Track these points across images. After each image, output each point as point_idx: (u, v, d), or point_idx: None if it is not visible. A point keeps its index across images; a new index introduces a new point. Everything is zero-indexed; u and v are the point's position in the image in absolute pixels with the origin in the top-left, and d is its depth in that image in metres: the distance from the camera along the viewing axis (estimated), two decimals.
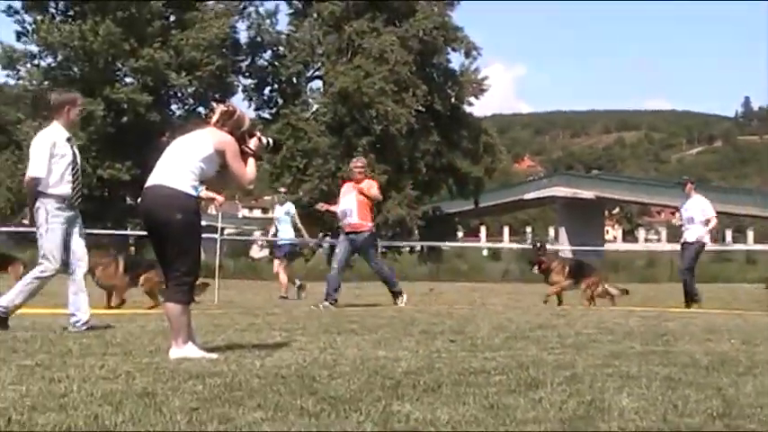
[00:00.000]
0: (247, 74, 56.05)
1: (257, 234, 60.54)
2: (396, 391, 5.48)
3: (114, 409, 4.76)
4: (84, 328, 9.48)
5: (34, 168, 9.47)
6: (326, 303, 14.90)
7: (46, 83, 51.48)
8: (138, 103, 48.95)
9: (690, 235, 17.54)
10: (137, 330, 9.42)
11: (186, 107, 54.62)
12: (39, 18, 50.72)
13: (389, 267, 16.61)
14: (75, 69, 51.37)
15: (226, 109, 7.65)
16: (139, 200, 7.76)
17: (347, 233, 15.53)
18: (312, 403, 5.00)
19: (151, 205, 7.29)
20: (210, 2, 53.34)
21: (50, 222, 9.42)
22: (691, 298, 17.06)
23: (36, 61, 52.15)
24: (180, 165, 7.26)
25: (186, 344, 7.15)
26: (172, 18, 52.62)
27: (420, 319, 11.75)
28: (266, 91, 56.31)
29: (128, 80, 51.55)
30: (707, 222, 17.57)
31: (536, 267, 17.29)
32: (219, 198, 16.06)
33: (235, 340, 8.52)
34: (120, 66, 51.42)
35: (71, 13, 51.68)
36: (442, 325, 10.62)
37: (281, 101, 55.61)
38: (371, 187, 15.70)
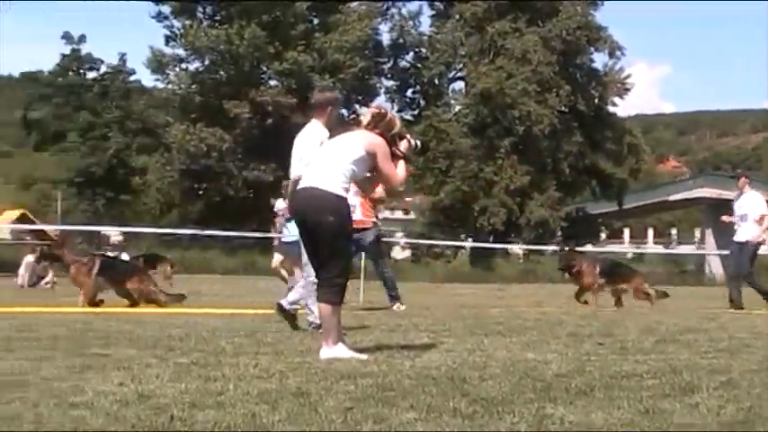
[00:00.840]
0: (390, 75, 56.32)
1: (399, 235, 60.68)
2: (548, 394, 5.43)
3: (271, 407, 4.83)
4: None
5: (299, 168, 8.85)
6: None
7: (193, 86, 52.66)
8: (282, 105, 49.61)
9: (742, 234, 16.60)
10: (287, 330, 9.54)
11: None
12: (187, 23, 51.85)
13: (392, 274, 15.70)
14: (222, 72, 52.37)
15: (378, 111, 7.68)
16: (293, 202, 7.82)
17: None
18: (464, 404, 4.99)
19: (303, 207, 7.38)
20: (353, 4, 53.73)
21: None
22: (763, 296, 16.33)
23: (184, 65, 53.33)
24: (331, 167, 7.31)
25: (336, 344, 7.20)
26: (315, 21, 53.23)
27: (567, 321, 11.65)
28: (408, 92, 56.48)
29: (272, 83, 52.34)
30: (761, 220, 16.51)
31: (567, 272, 16.78)
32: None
33: (383, 341, 8.56)
34: (264, 69, 52.23)
35: (218, 17, 52.73)
36: (589, 327, 10.50)
37: (423, 102, 55.69)
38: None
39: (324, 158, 7.46)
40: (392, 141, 7.54)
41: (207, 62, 52.51)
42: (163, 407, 4.81)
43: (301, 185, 7.45)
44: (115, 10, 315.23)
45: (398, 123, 7.79)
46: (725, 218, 17.42)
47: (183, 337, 8.45)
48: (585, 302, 16.11)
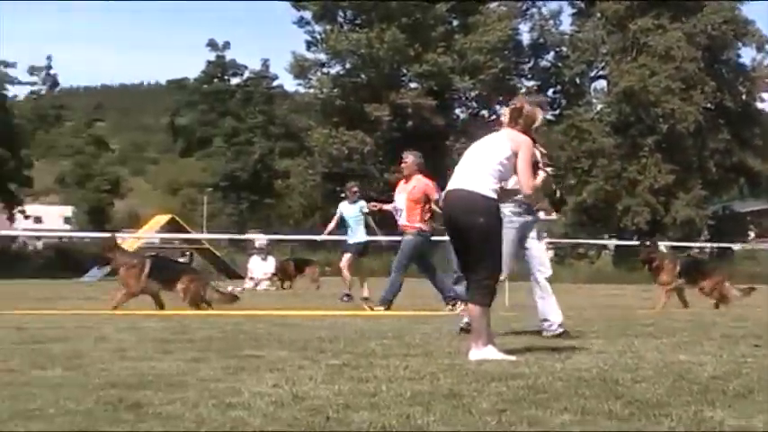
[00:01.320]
0: (530, 76, 56.06)
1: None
2: (704, 396, 5.32)
3: (424, 409, 4.84)
4: (560, 331, 9.48)
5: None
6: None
7: (335, 90, 53.22)
8: (422, 107, 49.79)
9: None
10: (433, 332, 9.56)
11: (469, 110, 55.15)
12: (328, 28, 52.49)
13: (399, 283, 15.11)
14: (363, 76, 52.82)
15: (515, 106, 7.63)
16: (441, 204, 7.80)
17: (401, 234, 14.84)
18: (619, 407, 4.92)
19: (453, 209, 7.36)
20: (493, 4, 53.60)
21: (505, 227, 8.94)
22: None
23: (325, 69, 53.99)
24: (479, 168, 7.28)
25: (486, 346, 7.18)
26: (455, 22, 53.31)
27: (719, 322, 11.39)
28: (549, 92, 56.08)
29: (412, 85, 52.59)
30: None
31: (647, 266, 16.12)
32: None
33: (531, 343, 8.51)
34: (404, 71, 52.51)
35: (358, 21, 53.24)
36: (743, 329, 10.25)
37: (564, 102, 55.25)
38: (421, 188, 14.47)
39: (471, 160, 7.43)
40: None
41: (348, 66, 53.09)
42: (318, 408, 4.87)
43: (450, 187, 7.42)
44: (258, 17, 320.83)
45: (539, 116, 7.71)
46: None
47: (332, 339, 8.54)
48: (684, 303, 15.62)
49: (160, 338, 8.51)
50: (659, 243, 19.85)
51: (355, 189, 20.21)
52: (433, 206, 14.20)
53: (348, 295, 18.34)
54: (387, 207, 15.66)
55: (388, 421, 4.50)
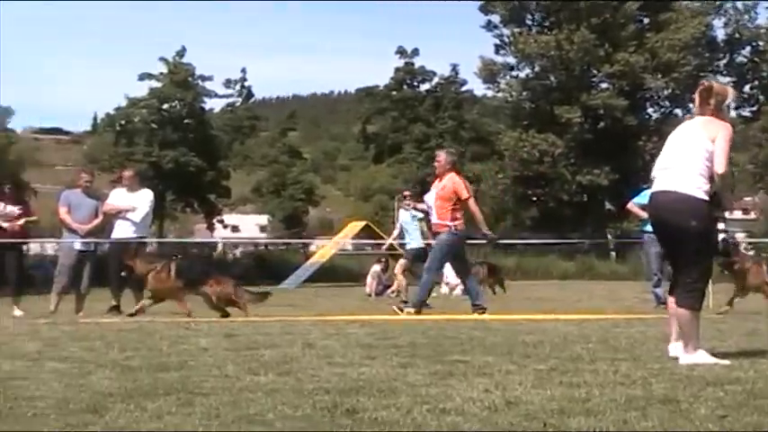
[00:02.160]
0: (725, 72, 54.45)
1: (739, 236, 58.41)
2: None
3: (641, 414, 4.75)
4: None
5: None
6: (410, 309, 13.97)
7: (524, 93, 53.01)
8: (614, 108, 49.11)
9: None
10: (639, 335, 9.39)
11: (662, 110, 54.09)
12: (516, 30, 52.31)
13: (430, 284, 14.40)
14: (552, 78, 52.43)
15: (703, 86, 7.34)
16: (648, 205, 7.60)
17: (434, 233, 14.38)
18: None
19: (663, 212, 7.20)
20: (685, 1, 52.42)
21: None
22: None
23: (514, 73, 53.82)
24: (687, 167, 7.07)
25: (697, 350, 7.01)
26: (646, 20, 52.36)
27: None
28: (746, 88, 54.32)
29: (603, 86, 51.91)
30: None
31: (727, 269, 14.71)
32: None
33: (742, 346, 8.27)
34: (595, 72, 51.86)
35: (547, 23, 52.83)
36: None
37: (762, 98, 53.47)
38: (451, 187, 13.95)
39: (676, 158, 7.20)
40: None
41: (537, 68, 52.77)
42: (532, 413, 4.84)
43: (658, 188, 7.25)
44: (446, 23, 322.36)
45: (730, 91, 7.45)
46: None
47: (536, 344, 8.48)
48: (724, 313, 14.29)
49: (365, 344, 8.61)
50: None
51: (407, 194, 20.19)
52: (470, 205, 14.00)
53: (404, 301, 18.12)
54: (420, 206, 15.46)
55: (605, 427, 4.45)
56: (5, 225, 15.12)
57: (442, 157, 14.46)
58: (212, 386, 5.89)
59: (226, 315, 13.28)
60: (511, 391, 5.58)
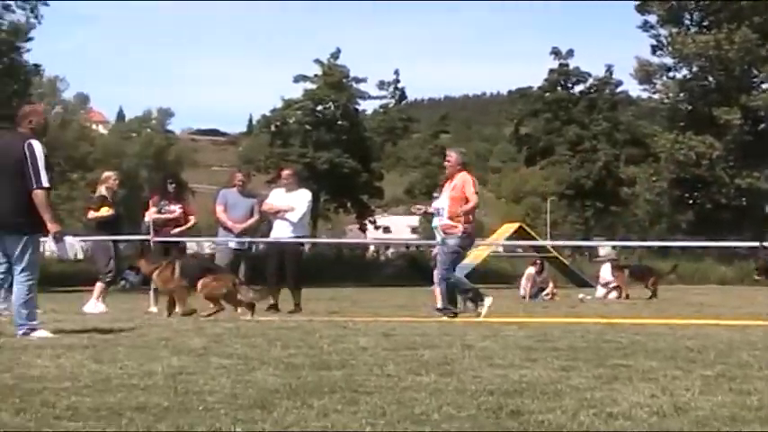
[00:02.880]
0: None
1: None
2: None
3: None
4: None
5: None
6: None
7: (681, 94, 52.03)
8: None
9: None
10: None
11: None
12: (674, 30, 51.38)
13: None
14: (711, 79, 51.32)
15: None
16: None
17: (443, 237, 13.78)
18: None
19: None
20: None
21: None
22: None
23: (671, 73, 52.88)
24: None
25: None
26: None
27: None
28: None
29: (765, 86, 50.56)
30: None
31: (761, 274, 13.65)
32: None
33: None
34: (756, 72, 50.56)
35: (705, 22, 51.74)
36: None
37: None
38: (461, 186, 13.58)
39: None
40: None
41: (695, 69, 51.69)
42: (702, 420, 4.74)
43: None
44: (602, 23, 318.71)
45: None
46: None
47: (700, 349, 8.29)
48: None
49: (524, 346, 8.56)
50: None
51: (422, 210, 19.49)
52: (473, 203, 13.60)
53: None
54: (430, 210, 15.07)
55: None
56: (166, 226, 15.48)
57: (452, 156, 14.17)
58: (375, 385, 5.93)
59: (220, 309, 13.12)
60: (678, 397, 5.47)
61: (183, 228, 15.93)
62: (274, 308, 14.87)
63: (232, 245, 15.51)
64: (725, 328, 11.40)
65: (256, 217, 15.84)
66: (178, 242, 15.96)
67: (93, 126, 79.35)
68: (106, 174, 16.54)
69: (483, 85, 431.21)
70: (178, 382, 6.02)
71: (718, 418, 4.76)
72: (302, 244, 16.07)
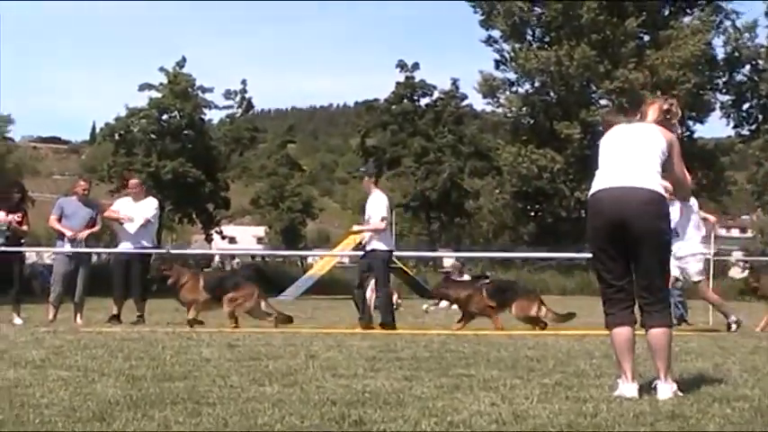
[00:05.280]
0: (724, 90, 54.38)
1: (736, 254, 58.45)
2: None
3: (650, 430, 4.79)
4: None
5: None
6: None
7: (524, 109, 53.04)
8: (613, 125, 49.04)
9: None
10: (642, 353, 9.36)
11: None
12: (517, 46, 52.37)
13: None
14: (552, 94, 52.49)
15: (666, 107, 6.82)
16: (591, 202, 6.55)
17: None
18: None
19: (622, 210, 6.25)
20: (686, 19, 52.53)
21: None
22: None
23: (514, 88, 53.83)
24: (643, 162, 6.40)
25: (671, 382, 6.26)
26: (646, 38, 52.38)
27: None
28: (745, 107, 54.23)
29: (603, 102, 51.93)
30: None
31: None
32: None
33: (747, 363, 8.26)
34: (594, 88, 51.91)
35: (547, 39, 52.88)
36: None
37: (760, 117, 53.41)
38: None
39: (629, 151, 6.49)
40: None
41: (537, 84, 52.79)
42: (540, 427, 4.85)
43: (611, 184, 6.39)
44: (446, 37, 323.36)
45: (679, 113, 6.92)
46: None
47: (540, 359, 8.48)
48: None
49: (368, 356, 8.62)
50: None
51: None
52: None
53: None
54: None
55: None
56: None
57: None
58: (218, 396, 5.90)
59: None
60: (518, 405, 5.59)
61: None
62: (116, 318, 14.61)
63: (67, 251, 15.11)
64: (564, 337, 11.66)
65: (98, 226, 15.53)
66: (17, 252, 15.51)
67: None
68: None
69: (330, 96, 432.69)
70: (14, 395, 5.87)
71: (554, 426, 4.88)
72: (149, 255, 15.78)
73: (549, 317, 14.06)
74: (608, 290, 6.35)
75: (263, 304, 13.96)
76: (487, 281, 16.03)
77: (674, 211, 11.32)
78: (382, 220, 14.15)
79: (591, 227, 6.46)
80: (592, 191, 6.47)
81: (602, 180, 6.48)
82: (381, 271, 14.22)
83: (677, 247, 11.93)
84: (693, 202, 12.96)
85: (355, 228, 15.83)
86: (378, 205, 14.35)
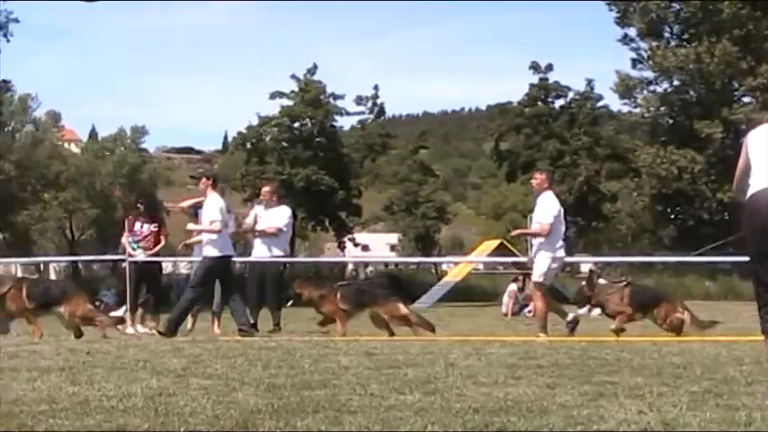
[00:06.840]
0: None
1: None
2: None
3: None
4: None
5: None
6: None
7: (662, 108, 52.13)
8: (757, 122, 47.80)
9: None
10: None
11: None
12: (654, 44, 51.49)
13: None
14: (692, 92, 51.46)
15: None
16: (749, 204, 6.67)
17: None
18: None
19: None
20: None
21: None
22: None
23: (652, 87, 52.98)
24: None
25: None
26: None
27: None
28: None
29: (745, 99, 50.69)
30: None
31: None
32: None
33: None
34: (737, 85, 50.70)
35: (686, 36, 51.86)
36: None
37: None
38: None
39: None
40: None
41: (676, 83, 51.84)
42: None
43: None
44: (581, 37, 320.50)
45: None
46: None
47: (686, 366, 8.21)
48: None
49: (508, 364, 8.47)
50: None
51: None
52: None
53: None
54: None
55: None
56: (138, 252, 15.35)
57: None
58: (359, 405, 5.84)
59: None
60: (666, 414, 5.40)
61: (153, 250, 15.70)
62: (254, 327, 14.72)
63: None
64: (710, 343, 11.33)
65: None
66: (155, 263, 15.80)
67: (66, 145, 78.74)
68: None
69: (462, 100, 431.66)
70: (158, 403, 5.91)
71: None
72: (284, 263, 15.91)
73: (692, 323, 13.66)
74: (766, 294, 6.11)
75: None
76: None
77: None
78: (212, 222, 13.77)
79: (749, 228, 6.24)
80: (749, 192, 6.25)
81: (759, 181, 6.24)
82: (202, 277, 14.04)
83: None
84: None
85: (189, 227, 15.34)
86: (212, 208, 13.92)
